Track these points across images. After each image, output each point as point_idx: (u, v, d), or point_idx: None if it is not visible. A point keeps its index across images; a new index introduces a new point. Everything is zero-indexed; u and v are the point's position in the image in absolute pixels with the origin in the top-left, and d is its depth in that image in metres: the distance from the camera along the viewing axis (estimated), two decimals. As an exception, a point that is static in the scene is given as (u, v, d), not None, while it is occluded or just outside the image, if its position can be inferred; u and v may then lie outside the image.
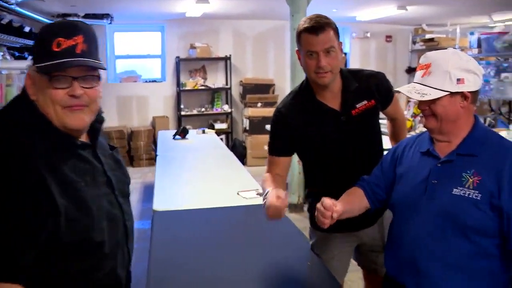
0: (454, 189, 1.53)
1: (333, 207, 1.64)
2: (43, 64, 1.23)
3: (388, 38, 9.33)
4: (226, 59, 8.21)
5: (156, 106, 8.24)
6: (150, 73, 8.47)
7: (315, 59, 1.91)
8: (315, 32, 1.88)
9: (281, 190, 1.87)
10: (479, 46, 7.34)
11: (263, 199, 1.93)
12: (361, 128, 2.07)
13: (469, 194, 1.50)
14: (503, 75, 6.91)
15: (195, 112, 8.21)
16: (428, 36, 8.74)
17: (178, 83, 8.07)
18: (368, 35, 9.08)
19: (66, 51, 1.23)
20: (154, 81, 8.36)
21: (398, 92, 1.65)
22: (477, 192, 1.49)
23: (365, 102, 2.05)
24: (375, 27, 8.99)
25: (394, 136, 2.36)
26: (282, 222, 2.41)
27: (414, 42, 9.23)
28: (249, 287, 1.87)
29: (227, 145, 8.02)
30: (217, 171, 3.80)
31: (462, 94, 1.54)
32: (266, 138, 8.44)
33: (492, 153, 1.55)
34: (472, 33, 7.67)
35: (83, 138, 1.37)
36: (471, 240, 1.52)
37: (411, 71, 9.25)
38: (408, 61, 9.40)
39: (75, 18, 6.19)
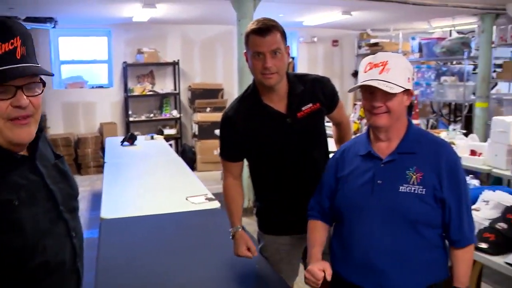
0: (401, 187, 1.62)
1: (323, 274, 1.67)
2: None
3: (335, 42, 9.54)
4: (174, 64, 8.16)
5: (104, 112, 8.08)
6: (96, 79, 8.30)
7: (262, 60, 1.93)
8: (262, 34, 1.91)
9: (250, 241, 2.08)
10: (420, 50, 7.67)
11: (231, 236, 2.12)
12: (306, 130, 2.11)
13: (414, 190, 1.60)
14: (442, 78, 7.25)
15: (143, 118, 8.10)
16: (372, 40, 9.02)
17: (126, 89, 7.95)
18: (315, 39, 9.26)
19: (5, 57, 1.08)
20: (101, 86, 8.20)
21: (362, 86, 1.65)
22: (421, 187, 1.60)
23: (310, 105, 2.09)
24: (321, 32, 9.17)
25: (340, 140, 2.40)
26: (227, 226, 2.45)
27: (359, 47, 9.50)
28: None
29: (177, 150, 7.97)
30: (165, 177, 3.78)
31: (408, 93, 1.64)
32: (215, 143, 8.46)
33: (428, 149, 1.66)
34: (413, 38, 8.01)
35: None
36: (420, 233, 1.62)
37: (357, 74, 9.47)
38: (354, 64, 9.64)
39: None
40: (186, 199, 3.07)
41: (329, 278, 1.68)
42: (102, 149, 7.31)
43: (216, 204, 2.99)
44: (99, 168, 7.35)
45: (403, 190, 1.61)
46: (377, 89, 1.58)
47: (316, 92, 2.13)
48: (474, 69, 7.20)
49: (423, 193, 1.60)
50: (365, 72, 1.64)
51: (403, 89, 1.59)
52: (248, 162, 2.28)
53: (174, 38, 8.30)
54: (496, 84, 6.97)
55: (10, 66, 1.09)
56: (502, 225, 2.30)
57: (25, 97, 1.12)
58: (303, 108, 2.08)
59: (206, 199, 3.09)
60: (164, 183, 3.57)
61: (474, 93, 6.74)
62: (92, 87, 8.16)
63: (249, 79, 6.00)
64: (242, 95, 2.19)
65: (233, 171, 2.20)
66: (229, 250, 2.23)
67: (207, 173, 7.06)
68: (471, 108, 6.97)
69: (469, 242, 1.68)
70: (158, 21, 7.45)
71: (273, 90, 2.04)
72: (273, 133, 2.07)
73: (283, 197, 2.18)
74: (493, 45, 6.29)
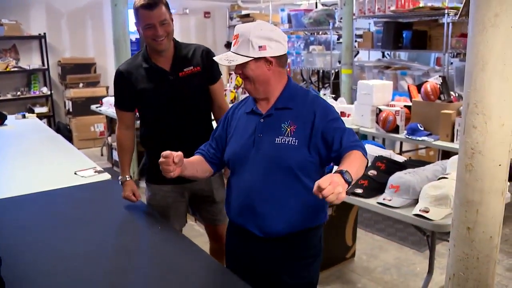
0: (276, 139, 1.79)
1: (172, 153, 1.79)
2: None
3: (207, 14, 9.61)
4: (41, 37, 7.64)
5: (-39, 92, 7.35)
6: None
7: (153, 30, 2.26)
8: (150, 8, 2.22)
9: (135, 188, 2.48)
10: (289, 21, 8.01)
11: (120, 182, 2.52)
12: (187, 88, 2.43)
13: (288, 141, 1.78)
14: (311, 47, 7.68)
15: (9, 96, 7.51)
16: (244, 12, 9.22)
17: (-14, 65, 7.29)
18: (187, 11, 9.24)
19: None
20: (-46, 63, 7.42)
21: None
22: (294, 138, 1.77)
23: (191, 67, 2.43)
24: (193, 4, 9.18)
25: None
26: (120, 195, 2.52)
27: (231, 18, 9.67)
28: (101, 262, 1.90)
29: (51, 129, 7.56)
30: (49, 154, 3.62)
31: (265, 59, 1.77)
32: (92, 119, 8.14)
33: (303, 105, 1.83)
34: (282, 10, 8.34)
35: None
36: (299, 180, 1.79)
37: (229, 45, 9.67)
38: (226, 36, 9.82)
39: None
40: (75, 173, 3.01)
41: (177, 159, 1.78)
42: (-36, 132, 6.68)
43: (106, 176, 2.97)
44: (-38, 152, 6.74)
45: (278, 142, 1.79)
46: None
47: (198, 58, 2.44)
48: (338, 39, 7.72)
49: (296, 144, 1.77)
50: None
51: (249, 59, 1.75)
52: (139, 114, 2.57)
53: (38, 10, 7.73)
54: (358, 53, 7.57)
55: None
56: (373, 172, 2.63)
57: None
58: (185, 69, 2.42)
59: (95, 171, 3.05)
60: (49, 159, 3.42)
61: (339, 61, 7.26)
62: None
63: (125, 50, 5.85)
64: (135, 55, 2.52)
65: (125, 120, 2.56)
66: (125, 219, 2.30)
67: (86, 150, 6.81)
68: (337, 74, 7.50)
69: (352, 148, 1.70)
70: (18, -9, 6.90)
71: (161, 53, 2.37)
72: (158, 87, 2.40)
73: (164, 148, 2.35)
74: (354, 17, 6.78)
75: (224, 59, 1.79)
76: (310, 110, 1.80)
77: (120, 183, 2.52)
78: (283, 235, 1.84)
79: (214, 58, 1.88)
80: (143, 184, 2.58)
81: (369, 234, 4.06)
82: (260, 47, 1.74)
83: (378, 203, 2.47)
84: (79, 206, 2.52)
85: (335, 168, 1.66)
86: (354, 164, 1.61)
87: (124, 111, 2.53)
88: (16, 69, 7.48)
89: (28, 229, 2.21)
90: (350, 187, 1.54)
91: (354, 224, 3.45)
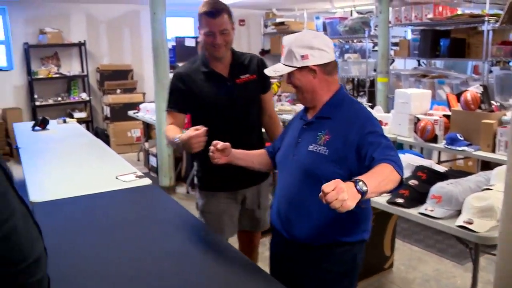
0: (310, 146, 1.80)
1: (218, 142, 2.00)
2: None
3: (242, 22, 9.69)
4: (81, 45, 7.86)
5: (5, 97, 7.59)
6: (-7, 61, 7.77)
7: (212, 37, 2.31)
8: (213, 16, 2.27)
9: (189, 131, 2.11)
10: (324, 29, 8.01)
11: (176, 144, 2.22)
12: (242, 95, 2.47)
13: (319, 150, 1.77)
14: (346, 55, 7.65)
15: (50, 101, 7.75)
16: (278, 20, 9.26)
17: (29, 72, 7.53)
18: (223, 19, 9.32)
19: None
20: (-1, 69, 7.70)
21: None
22: (325, 148, 1.76)
23: (247, 75, 2.49)
24: (229, 12, 9.26)
25: (273, 136, 2.64)
26: (161, 200, 2.55)
27: (266, 26, 9.72)
28: (144, 266, 1.90)
29: (89, 134, 7.73)
30: (90, 158, 3.72)
31: (309, 68, 1.78)
32: (129, 124, 8.28)
33: (344, 116, 1.80)
34: (317, 18, 8.33)
35: None
36: None
37: (264, 53, 9.74)
38: (261, 43, 9.87)
39: None
40: (116, 178, 3.07)
41: (220, 146, 2.00)
42: (7, 136, 6.94)
43: (147, 181, 3.01)
44: (5, 156, 6.97)
45: (310, 149, 1.79)
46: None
47: (254, 66, 2.50)
48: (373, 47, 7.67)
49: (326, 153, 1.74)
50: None
51: (293, 69, 1.78)
52: (192, 117, 2.57)
53: (78, 18, 7.97)
54: (393, 61, 7.50)
55: None
56: (414, 182, 2.60)
57: None
58: (242, 77, 2.47)
59: (136, 176, 3.10)
60: (90, 164, 3.51)
61: (375, 69, 7.20)
62: (-11, 70, 7.62)
63: (164, 58, 5.94)
64: (195, 59, 2.55)
65: (176, 120, 2.50)
66: (167, 224, 2.32)
67: (123, 155, 6.93)
68: (372, 83, 7.45)
69: (382, 161, 1.58)
70: (60, -1, 7.12)
71: (220, 60, 2.43)
72: (215, 91, 2.43)
73: None
74: (390, 25, 6.73)
75: (272, 70, 1.85)
76: (349, 122, 1.77)
77: (178, 140, 2.17)
78: (306, 242, 1.84)
79: (265, 70, 1.94)
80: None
81: (407, 244, 4.00)
82: (302, 56, 1.76)
83: (419, 213, 2.44)
84: (121, 210, 2.58)
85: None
86: (377, 176, 1.50)
87: (177, 112, 2.48)
88: (57, 75, 7.72)
89: (72, 232, 2.26)
90: (363, 198, 1.42)
91: (393, 234, 3.41)
